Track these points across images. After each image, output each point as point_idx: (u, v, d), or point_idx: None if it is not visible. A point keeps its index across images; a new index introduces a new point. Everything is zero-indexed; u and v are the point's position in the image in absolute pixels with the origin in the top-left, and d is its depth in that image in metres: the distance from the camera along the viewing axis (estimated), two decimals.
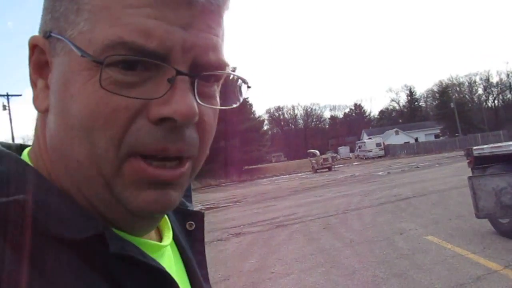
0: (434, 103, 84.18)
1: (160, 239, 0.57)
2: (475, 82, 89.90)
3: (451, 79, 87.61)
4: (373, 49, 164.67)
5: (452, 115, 58.09)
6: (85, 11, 0.41)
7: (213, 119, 0.48)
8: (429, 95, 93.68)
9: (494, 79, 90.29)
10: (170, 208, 0.46)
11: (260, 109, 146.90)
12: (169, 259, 0.55)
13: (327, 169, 34.85)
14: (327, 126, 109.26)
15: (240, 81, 0.51)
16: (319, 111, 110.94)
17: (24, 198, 0.40)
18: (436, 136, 67.06)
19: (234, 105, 0.51)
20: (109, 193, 0.43)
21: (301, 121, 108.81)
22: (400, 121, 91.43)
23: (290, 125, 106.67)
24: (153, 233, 0.56)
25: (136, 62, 0.40)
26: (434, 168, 21.61)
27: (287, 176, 36.62)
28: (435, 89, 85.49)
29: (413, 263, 5.34)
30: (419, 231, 7.10)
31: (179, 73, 0.41)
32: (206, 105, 0.45)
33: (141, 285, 0.44)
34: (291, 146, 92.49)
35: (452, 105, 60.14)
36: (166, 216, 0.59)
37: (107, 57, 0.39)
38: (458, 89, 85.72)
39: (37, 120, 0.50)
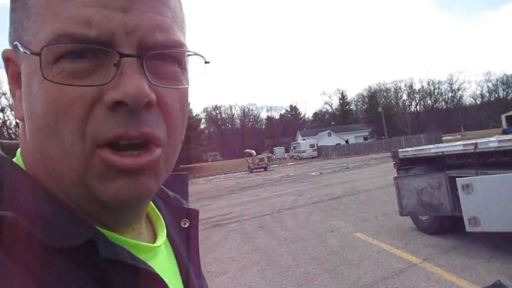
0: (364, 107, 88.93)
1: (155, 236, 0.57)
2: (400, 88, 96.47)
3: (379, 85, 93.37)
4: (309, 53, 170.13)
5: (380, 118, 61.72)
6: (32, 14, 0.43)
7: (178, 100, 0.46)
8: (359, 99, 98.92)
9: (417, 86, 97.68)
10: (145, 195, 0.45)
11: (197, 107, 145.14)
12: (161, 259, 0.55)
13: (262, 169, 35.37)
14: (263, 127, 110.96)
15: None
16: (256, 112, 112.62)
17: (12, 215, 0.39)
18: (365, 138, 70.75)
19: (190, 84, 0.49)
20: (83, 187, 0.43)
21: (238, 120, 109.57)
22: (333, 123, 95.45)
23: (227, 124, 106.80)
24: (146, 232, 0.56)
25: (84, 51, 0.41)
26: (363, 168, 22.79)
27: (223, 175, 36.63)
28: (365, 94, 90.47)
29: (342, 259, 5.61)
30: (348, 228, 7.46)
31: (122, 55, 0.41)
32: (161, 85, 0.44)
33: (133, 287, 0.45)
34: (227, 145, 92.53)
35: (379, 109, 63.84)
36: (160, 214, 0.60)
37: (43, 47, 0.40)
38: (385, 94, 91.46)
39: (21, 128, 0.51)
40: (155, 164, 0.45)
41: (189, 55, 0.48)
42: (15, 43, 0.45)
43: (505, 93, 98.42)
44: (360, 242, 6.41)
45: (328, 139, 66.31)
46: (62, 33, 0.40)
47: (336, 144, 59.30)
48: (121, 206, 0.46)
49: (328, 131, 71.71)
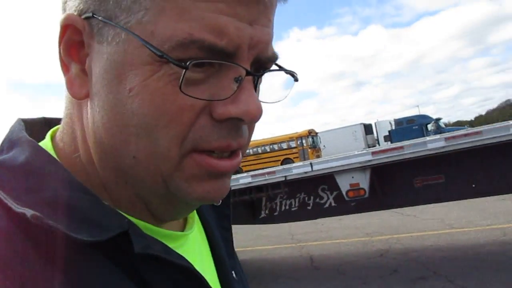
0: None
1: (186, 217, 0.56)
2: None
3: None
4: None
5: None
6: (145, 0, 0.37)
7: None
8: None
9: None
10: (225, 195, 0.46)
11: None
12: (193, 242, 0.54)
13: None
14: None
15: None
16: None
17: (33, 213, 0.36)
18: None
19: (281, 100, 0.49)
20: (165, 188, 0.42)
21: None
22: None
23: None
24: None
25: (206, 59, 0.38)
26: None
27: None
28: None
29: None
30: None
31: (248, 73, 0.40)
32: (262, 101, 0.44)
33: (168, 282, 0.42)
34: None
35: None
36: None
37: (190, 62, 0.36)
38: None
39: (70, 106, 0.45)
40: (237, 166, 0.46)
41: (286, 71, 0.47)
42: (96, 15, 0.39)
43: None
44: None
45: None
46: (191, 39, 0.36)
47: None
48: (201, 204, 0.46)
49: None
